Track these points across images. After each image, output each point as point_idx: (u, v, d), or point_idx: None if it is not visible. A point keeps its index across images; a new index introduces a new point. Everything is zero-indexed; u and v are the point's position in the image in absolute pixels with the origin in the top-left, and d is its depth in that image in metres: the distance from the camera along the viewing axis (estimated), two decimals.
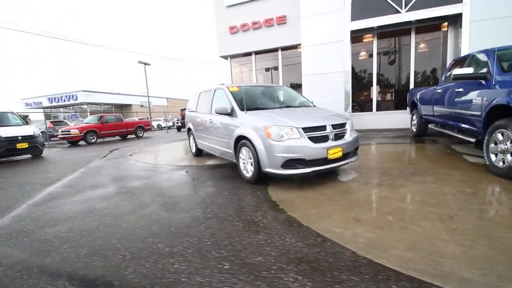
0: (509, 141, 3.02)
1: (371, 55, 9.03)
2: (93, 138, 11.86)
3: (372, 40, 8.91)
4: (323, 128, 3.23)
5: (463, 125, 4.21)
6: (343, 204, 2.60)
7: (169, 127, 22.67)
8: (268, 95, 4.52)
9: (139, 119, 17.35)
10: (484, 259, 1.54)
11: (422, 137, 6.54)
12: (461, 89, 4.21)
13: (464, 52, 7.28)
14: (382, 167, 3.95)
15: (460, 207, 2.32)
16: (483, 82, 3.63)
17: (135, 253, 1.86)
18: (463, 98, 4.07)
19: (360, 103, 9.40)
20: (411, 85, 8.62)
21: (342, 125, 3.46)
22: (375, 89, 9.09)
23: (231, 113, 3.89)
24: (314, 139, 3.11)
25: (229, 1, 10.27)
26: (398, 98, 8.99)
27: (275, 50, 10.26)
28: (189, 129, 6.08)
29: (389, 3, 7.90)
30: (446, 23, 8.11)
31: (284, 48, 10.14)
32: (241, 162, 3.73)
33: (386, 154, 4.90)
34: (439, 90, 5.12)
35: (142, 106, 37.29)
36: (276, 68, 10.59)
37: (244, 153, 3.59)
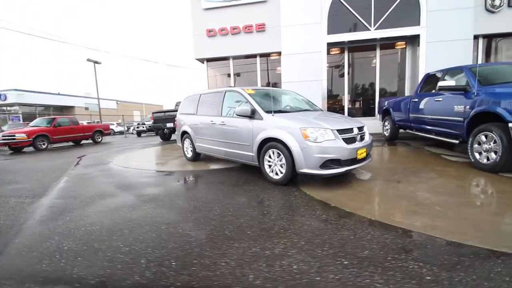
0: (493, 141, 3.69)
1: (342, 67, 9.89)
2: (44, 144, 10.26)
3: (344, 53, 9.78)
4: (351, 130, 3.48)
5: (442, 129, 4.96)
6: (385, 198, 2.85)
7: (126, 132, 20.86)
8: (282, 98, 4.63)
9: (96, 122, 15.57)
10: None
11: (394, 140, 7.42)
12: (440, 99, 4.97)
13: (421, 67, 8.54)
14: (384, 167, 4.39)
15: (471, 193, 2.77)
16: (463, 93, 4.37)
17: (239, 258, 1.77)
18: (444, 106, 4.81)
19: (334, 110, 10.15)
20: (377, 95, 9.69)
21: (362, 128, 3.77)
22: (346, 98, 9.96)
23: (252, 116, 3.88)
24: (346, 140, 3.33)
25: (207, 4, 10.13)
26: (366, 106, 10.01)
27: (253, 56, 10.45)
28: (184, 133, 5.80)
29: (361, 21, 8.82)
30: (404, 42, 9.38)
31: (262, 55, 10.40)
32: (266, 165, 3.74)
33: (376, 156, 5.42)
34: (416, 99, 5.92)
35: (87, 108, 33.62)
36: (253, 73, 10.77)
37: (272, 155, 3.61)
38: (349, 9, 8.86)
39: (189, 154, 5.75)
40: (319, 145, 3.18)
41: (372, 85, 9.88)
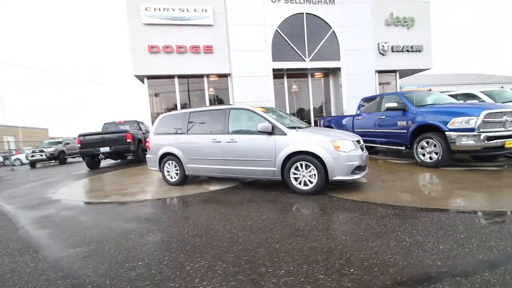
0: (433, 145, 5.19)
1: (283, 90, 11.16)
2: None
3: (283, 78, 11.10)
4: (359, 141, 4.18)
5: (389, 139, 6.45)
6: (399, 191, 3.61)
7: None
8: (283, 116, 4.96)
9: None
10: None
11: None
12: (384, 116, 6.50)
13: (344, 93, 10.68)
14: (367, 174, 5.35)
15: (433, 179, 3.93)
16: (403, 112, 5.92)
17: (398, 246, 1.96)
18: (389, 122, 6.31)
19: None
20: (312, 114, 11.36)
21: (360, 140, 4.56)
22: None
23: (273, 132, 4.06)
24: (361, 150, 3.99)
25: (148, 19, 9.52)
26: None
27: (200, 76, 10.37)
28: (165, 155, 5.23)
29: (299, 54, 10.35)
30: (328, 72, 11.54)
31: (210, 75, 10.46)
32: (292, 177, 3.95)
33: None
34: (359, 117, 7.44)
35: None
36: (200, 92, 10.63)
37: (300, 167, 3.87)
38: (288, 42, 10.27)
39: (174, 178, 5.19)
40: (348, 154, 3.71)
41: (307, 106, 11.52)
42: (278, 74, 10.87)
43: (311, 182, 3.84)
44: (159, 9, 9.54)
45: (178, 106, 10.27)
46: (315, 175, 3.79)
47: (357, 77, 10.72)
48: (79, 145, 8.60)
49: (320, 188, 3.78)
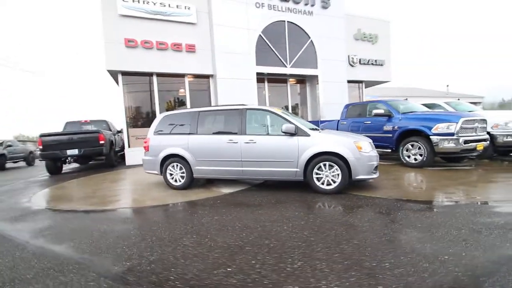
0: (418, 148, 5.85)
1: (264, 94, 11.32)
2: None
3: (264, 83, 11.28)
4: (371, 143, 4.51)
5: (375, 143, 7.03)
6: (409, 186, 4.01)
7: None
8: (298, 118, 5.04)
9: None
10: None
11: None
12: (369, 122, 7.09)
13: (321, 99, 11.31)
14: None
15: (429, 177, 4.51)
16: (388, 117, 6.55)
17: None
18: (375, 126, 6.90)
19: None
20: None
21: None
22: None
23: (295, 133, 4.13)
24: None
25: (125, 10, 8.75)
26: None
27: (181, 75, 9.90)
28: (168, 157, 4.88)
29: (281, 60, 10.65)
30: (305, 79, 12.09)
31: (191, 76, 10.06)
32: (314, 177, 4.06)
33: None
34: (344, 122, 7.98)
35: None
36: (181, 94, 10.14)
37: (323, 167, 4.00)
38: (271, 47, 10.50)
39: (179, 181, 4.86)
40: (369, 154, 3.98)
41: (286, 109, 11.85)
42: (259, 78, 10.98)
43: (334, 182, 3.99)
44: (138, 1, 8.86)
45: (156, 106, 9.62)
46: (338, 175, 3.96)
47: (331, 85, 11.47)
48: (41, 147, 7.39)
49: (343, 188, 3.96)
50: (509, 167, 5.79)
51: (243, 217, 3.15)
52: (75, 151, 7.65)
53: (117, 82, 9.58)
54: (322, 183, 4.05)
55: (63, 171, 8.51)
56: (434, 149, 5.57)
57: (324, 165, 4.01)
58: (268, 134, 4.42)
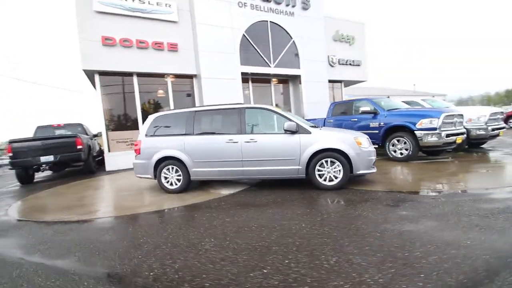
0: (403, 143, 6.17)
1: (249, 94, 11.27)
2: None
3: (249, 83, 11.23)
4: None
5: None
6: (404, 179, 4.21)
7: None
8: (295, 116, 5.05)
9: None
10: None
11: None
12: (356, 119, 7.34)
13: (304, 99, 11.53)
14: None
15: (418, 170, 4.80)
16: (373, 115, 6.84)
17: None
18: (362, 123, 7.16)
19: None
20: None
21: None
22: None
23: (296, 131, 4.14)
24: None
25: (101, 6, 8.23)
26: None
27: (162, 75, 9.53)
28: (163, 160, 4.66)
29: (264, 59, 10.68)
30: (288, 79, 12.24)
31: (174, 75, 9.72)
32: (316, 173, 4.11)
33: None
34: (331, 120, 8.19)
35: None
36: (161, 95, 9.75)
37: (325, 164, 4.05)
38: (254, 47, 10.49)
39: (175, 184, 4.66)
40: (368, 149, 4.11)
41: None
42: (243, 78, 10.91)
43: (335, 178, 4.07)
44: None
45: (138, 107, 9.16)
46: (340, 170, 4.04)
47: (313, 84, 11.73)
48: (11, 154, 6.69)
49: (344, 183, 4.04)
50: (481, 157, 6.31)
51: (256, 217, 3.08)
52: (50, 158, 7.02)
53: (93, 83, 8.98)
54: (324, 180, 4.10)
55: (35, 180, 7.79)
56: (419, 143, 5.91)
57: (326, 161, 4.07)
58: (268, 132, 4.40)
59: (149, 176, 4.80)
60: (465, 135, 6.19)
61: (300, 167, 4.14)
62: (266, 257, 2.07)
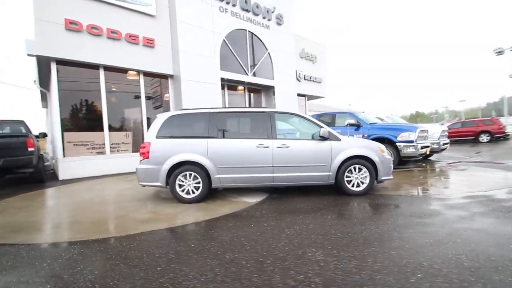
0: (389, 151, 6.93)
1: (224, 101, 10.97)
2: None
3: (224, 89, 10.96)
4: None
5: None
6: (418, 184, 4.75)
7: None
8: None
9: None
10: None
11: None
12: (339, 130, 7.91)
13: (278, 107, 11.84)
14: None
15: (408, 176, 5.52)
16: (357, 127, 7.52)
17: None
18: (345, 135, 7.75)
19: None
20: None
21: None
22: None
23: (328, 137, 4.23)
24: None
25: None
26: None
27: (135, 72, 8.49)
28: (179, 165, 4.12)
29: (243, 67, 10.64)
30: (260, 89, 12.43)
31: (147, 74, 8.76)
32: (345, 180, 4.25)
33: None
34: None
35: None
36: (131, 95, 8.65)
37: (354, 170, 4.24)
38: (234, 54, 10.37)
39: (192, 193, 4.15)
40: (388, 157, 4.47)
41: None
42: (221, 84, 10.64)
43: (362, 183, 4.28)
44: None
45: (103, 106, 7.87)
46: (366, 176, 4.27)
47: (285, 95, 12.22)
48: None
49: (370, 189, 4.28)
50: (441, 167, 7.56)
51: (313, 228, 2.95)
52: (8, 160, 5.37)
53: (46, 74, 7.39)
54: (352, 186, 4.27)
55: None
56: (400, 154, 6.73)
57: (354, 168, 4.26)
58: (298, 138, 4.36)
59: (159, 183, 4.14)
60: (430, 147, 7.34)
61: (330, 173, 4.21)
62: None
